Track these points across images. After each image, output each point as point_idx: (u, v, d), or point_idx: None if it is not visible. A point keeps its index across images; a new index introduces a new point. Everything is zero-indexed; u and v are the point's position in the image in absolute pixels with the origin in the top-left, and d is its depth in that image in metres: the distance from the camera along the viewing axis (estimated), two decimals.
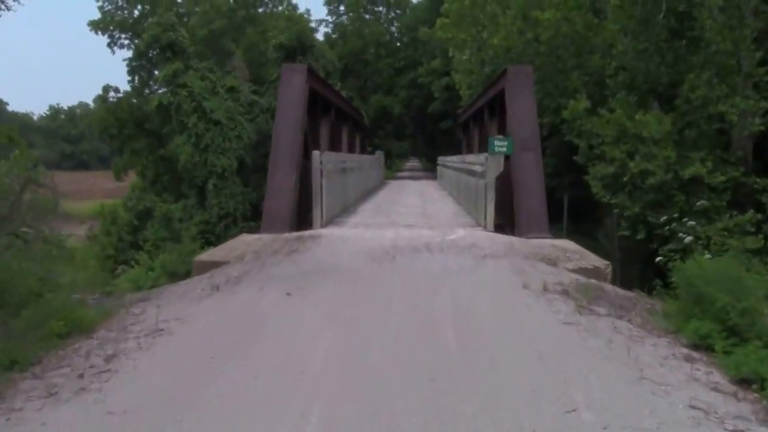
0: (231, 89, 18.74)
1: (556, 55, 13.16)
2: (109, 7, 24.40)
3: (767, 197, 9.48)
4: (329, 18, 33.23)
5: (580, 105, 11.40)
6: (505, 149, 7.41)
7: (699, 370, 2.74)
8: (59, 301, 3.81)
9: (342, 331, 3.20)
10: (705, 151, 10.08)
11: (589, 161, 11.21)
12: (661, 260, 4.10)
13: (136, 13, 24.48)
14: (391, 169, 32.46)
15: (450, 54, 18.71)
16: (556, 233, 7.26)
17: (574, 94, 12.06)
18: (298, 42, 19.53)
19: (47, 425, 2.20)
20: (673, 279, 3.82)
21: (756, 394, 2.47)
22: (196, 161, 17.77)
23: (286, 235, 6.61)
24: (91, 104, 24.66)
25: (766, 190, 9.50)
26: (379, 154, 21.69)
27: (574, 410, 2.24)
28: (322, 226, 7.51)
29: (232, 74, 19.48)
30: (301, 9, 27.39)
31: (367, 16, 33.15)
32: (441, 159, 19.67)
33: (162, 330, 3.32)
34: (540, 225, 7.20)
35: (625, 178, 10.20)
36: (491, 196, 7.41)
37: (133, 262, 12.40)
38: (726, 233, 8.68)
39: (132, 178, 24.21)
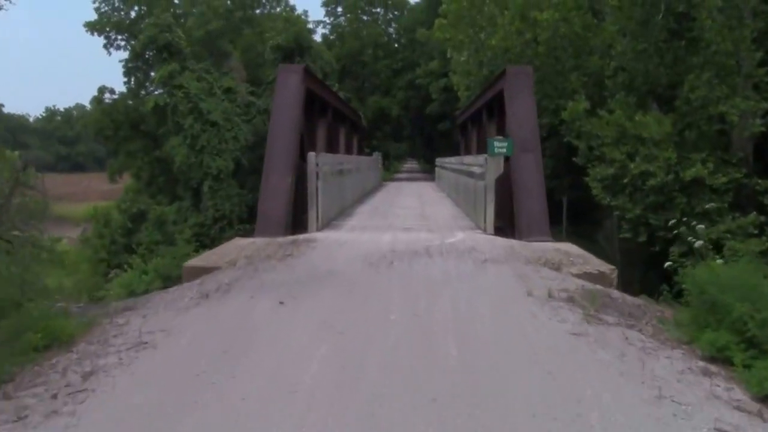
0: (228, 90, 18.58)
1: (555, 56, 13.04)
2: (106, 8, 24.18)
3: None
4: (327, 19, 33.12)
5: (579, 106, 11.28)
6: (504, 150, 7.25)
7: (718, 386, 2.57)
8: (39, 311, 3.61)
9: (337, 345, 3.02)
10: (706, 152, 9.97)
11: (589, 163, 11.09)
12: (670, 265, 3.96)
13: (133, 14, 24.28)
14: (389, 170, 32.32)
15: (448, 55, 18.59)
16: (554, 235, 7.12)
17: (572, 95, 11.94)
18: (295, 43, 19.40)
19: None
20: (683, 285, 3.65)
21: None
22: (191, 163, 17.57)
23: (280, 239, 6.42)
24: (88, 106, 24.33)
25: None
26: (377, 156, 21.56)
27: None
28: (318, 229, 7.33)
29: (229, 75, 19.31)
30: (299, 10, 27.11)
31: (365, 18, 33.05)
32: (439, 160, 19.54)
33: (146, 343, 3.12)
34: (541, 228, 7.04)
35: (625, 180, 10.07)
36: (491, 198, 7.25)
37: (126, 266, 12.20)
38: (729, 235, 8.56)
39: (127, 180, 23.98)
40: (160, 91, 18.46)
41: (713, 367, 2.80)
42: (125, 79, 21.73)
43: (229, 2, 24.80)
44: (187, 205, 18.27)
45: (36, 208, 8.86)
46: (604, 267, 5.02)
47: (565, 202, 13.33)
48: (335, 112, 12.50)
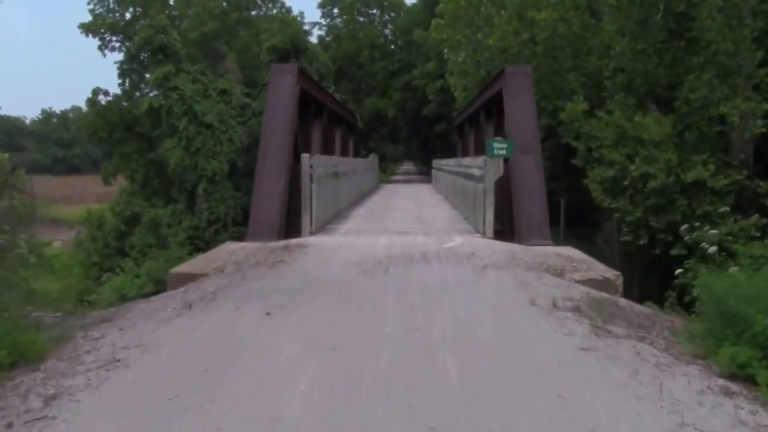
0: (223, 92, 18.35)
1: (553, 56, 12.90)
2: (101, 9, 23.91)
3: None
4: (323, 21, 32.96)
5: (577, 107, 11.13)
6: (504, 152, 7.05)
7: (743, 408, 2.35)
8: (7, 324, 3.35)
9: (326, 364, 2.78)
10: (706, 153, 9.82)
11: (588, 164, 10.93)
12: (681, 273, 3.77)
13: (128, 15, 24.02)
14: (386, 172, 32.14)
15: (445, 56, 18.45)
16: (552, 238, 6.93)
17: (571, 96, 11.79)
18: (291, 45, 19.22)
19: None
20: (695, 294, 3.45)
21: None
22: (186, 165, 17.31)
23: (272, 244, 6.19)
24: (84, 108, 24.00)
25: None
26: (373, 158, 21.38)
27: None
28: (312, 233, 7.10)
29: (224, 77, 19.09)
30: (295, 12, 26.94)
31: (361, 19, 32.92)
32: (436, 162, 19.35)
33: (119, 360, 2.88)
34: (541, 231, 6.85)
35: (625, 182, 9.91)
36: (490, 201, 7.04)
37: (118, 270, 11.92)
38: (731, 238, 8.39)
39: (122, 182, 23.68)
40: (155, 92, 18.22)
41: (734, 386, 2.59)
42: (120, 81, 21.51)
43: (224, 4, 24.61)
44: (181, 208, 18.01)
45: (24, 211, 8.61)
46: (609, 273, 4.82)
47: (562, 204, 13.16)
48: (331, 113, 12.29)
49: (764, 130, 9.64)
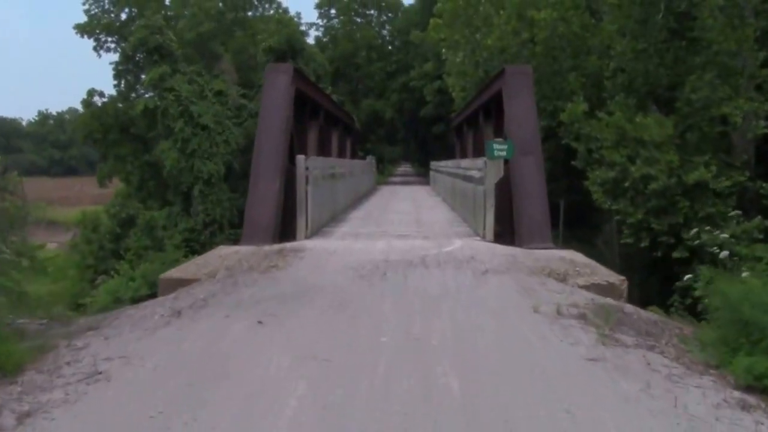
0: (219, 93, 18.21)
1: (552, 56, 12.80)
2: (96, 10, 23.73)
3: None
4: (320, 21, 32.84)
5: (577, 107, 11.01)
6: (504, 153, 6.91)
7: (762, 423, 2.21)
8: None
9: (319, 377, 2.62)
10: (708, 154, 9.72)
11: (588, 166, 10.81)
12: (691, 278, 3.64)
13: (123, 16, 23.85)
14: (383, 174, 32.01)
15: (443, 56, 18.33)
16: (551, 240, 6.79)
17: (571, 97, 11.68)
18: (288, 45, 19.10)
19: None
20: (697, 294, 3.30)
21: None
22: (182, 167, 17.15)
23: (267, 248, 6.03)
24: (80, 109, 23.76)
25: None
26: (371, 159, 21.24)
27: None
28: (307, 237, 6.95)
29: (220, 78, 18.96)
30: (292, 12, 26.87)
31: (359, 20, 32.81)
32: (434, 164, 19.21)
33: (100, 373, 2.72)
34: (542, 234, 6.71)
35: (626, 184, 9.79)
36: (491, 203, 6.90)
37: (113, 272, 11.74)
38: (734, 240, 8.27)
39: (117, 184, 23.49)
40: (151, 94, 18.06)
41: (751, 399, 2.45)
42: (115, 82, 21.32)
43: (220, 4, 24.47)
44: (177, 210, 17.83)
45: (16, 214, 8.41)
46: (614, 278, 4.68)
47: (562, 205, 13.04)
48: (327, 114, 12.14)
49: (767, 130, 9.55)
